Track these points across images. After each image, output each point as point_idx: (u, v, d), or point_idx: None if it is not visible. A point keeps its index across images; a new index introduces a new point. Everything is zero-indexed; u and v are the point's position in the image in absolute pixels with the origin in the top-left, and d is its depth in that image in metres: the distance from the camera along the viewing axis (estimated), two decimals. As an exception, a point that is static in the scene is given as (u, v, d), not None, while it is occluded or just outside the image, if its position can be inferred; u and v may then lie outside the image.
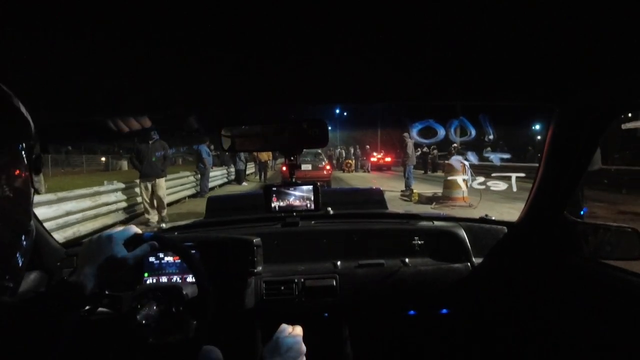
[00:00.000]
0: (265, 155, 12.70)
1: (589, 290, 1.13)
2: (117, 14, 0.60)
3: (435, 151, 16.59)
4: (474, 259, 1.43)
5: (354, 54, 0.82)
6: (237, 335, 1.32)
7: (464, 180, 6.38)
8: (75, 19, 0.61)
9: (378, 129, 27.89)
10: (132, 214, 6.39)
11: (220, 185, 12.11)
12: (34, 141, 0.54)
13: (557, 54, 0.81)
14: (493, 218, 1.57)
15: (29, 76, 0.82)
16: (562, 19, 0.64)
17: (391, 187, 9.89)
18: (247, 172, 14.01)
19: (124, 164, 21.38)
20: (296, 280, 1.33)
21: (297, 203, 1.32)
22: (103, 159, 23.99)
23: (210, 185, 10.17)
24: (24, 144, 0.52)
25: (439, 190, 8.01)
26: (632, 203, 6.86)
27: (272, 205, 1.32)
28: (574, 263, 1.22)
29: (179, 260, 1.19)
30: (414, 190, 8.68)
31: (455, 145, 8.36)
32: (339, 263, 1.39)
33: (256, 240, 1.26)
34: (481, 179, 4.61)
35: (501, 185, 3.93)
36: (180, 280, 1.16)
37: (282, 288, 1.32)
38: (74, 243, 1.50)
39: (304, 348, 0.79)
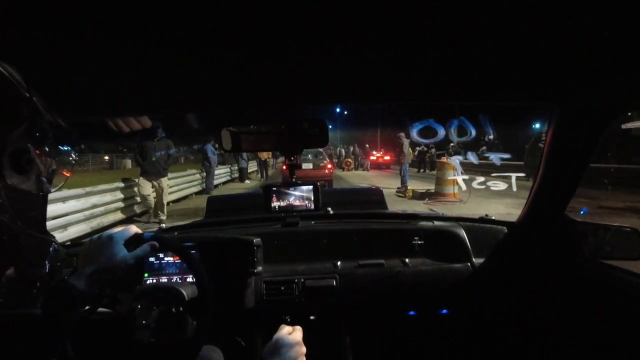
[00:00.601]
0: (265, 154, 12.80)
1: (589, 290, 1.13)
2: (117, 14, 0.60)
3: (433, 150, 16.60)
4: (474, 259, 1.43)
5: (354, 54, 0.82)
6: (237, 335, 1.32)
7: (454, 177, 6.62)
8: (75, 19, 0.61)
9: (378, 129, 27.89)
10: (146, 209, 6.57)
11: (224, 183, 12.39)
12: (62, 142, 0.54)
13: (557, 54, 0.81)
14: (493, 218, 1.57)
15: (29, 76, 0.82)
16: (561, 19, 0.64)
17: (387, 185, 9.99)
18: (250, 171, 14.21)
19: (128, 163, 21.52)
20: (296, 280, 1.33)
21: (297, 203, 1.32)
22: (106, 157, 24.05)
23: (215, 182, 10.44)
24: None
25: (432, 187, 8.21)
26: (614, 199, 7.12)
27: (272, 205, 1.32)
28: (574, 263, 1.22)
29: (179, 261, 1.18)
30: (409, 187, 8.94)
31: (453, 144, 8.41)
32: (339, 263, 1.39)
33: (256, 240, 1.26)
34: (481, 178, 4.62)
35: (501, 185, 3.94)
36: (180, 281, 1.16)
37: (282, 288, 1.32)
38: (74, 243, 1.50)
39: (303, 349, 0.79)
